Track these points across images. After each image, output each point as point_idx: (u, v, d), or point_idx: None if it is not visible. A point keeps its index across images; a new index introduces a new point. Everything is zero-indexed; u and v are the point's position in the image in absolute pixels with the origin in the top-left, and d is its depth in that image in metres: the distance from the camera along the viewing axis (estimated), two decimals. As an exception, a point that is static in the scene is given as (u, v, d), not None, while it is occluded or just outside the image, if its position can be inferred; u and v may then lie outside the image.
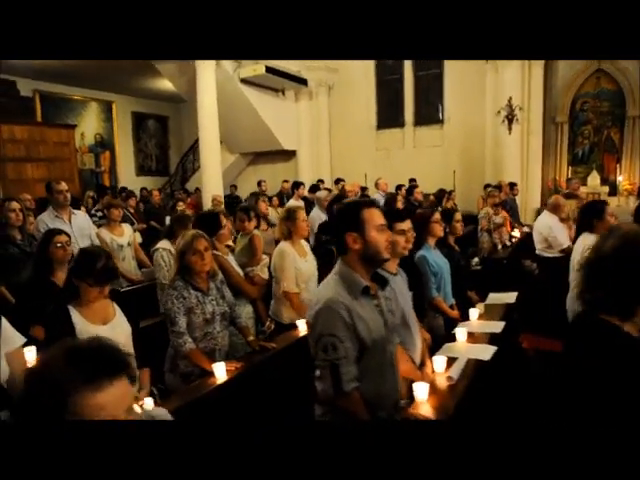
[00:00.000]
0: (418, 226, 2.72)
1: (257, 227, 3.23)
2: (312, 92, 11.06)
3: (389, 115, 11.18)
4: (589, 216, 3.35)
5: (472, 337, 2.62)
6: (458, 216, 3.55)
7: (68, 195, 4.02)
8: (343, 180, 8.79)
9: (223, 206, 7.50)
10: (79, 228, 4.08)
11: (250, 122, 9.90)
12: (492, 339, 2.63)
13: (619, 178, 8.90)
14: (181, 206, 8.01)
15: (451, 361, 2.23)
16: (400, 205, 5.71)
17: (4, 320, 1.91)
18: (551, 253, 4.83)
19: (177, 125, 14.17)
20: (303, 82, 10.26)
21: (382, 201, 7.95)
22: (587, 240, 3.12)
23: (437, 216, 3.14)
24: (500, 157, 9.31)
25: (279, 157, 11.71)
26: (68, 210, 4.08)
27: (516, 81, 8.95)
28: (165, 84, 11.59)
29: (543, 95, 9.27)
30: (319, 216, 6.09)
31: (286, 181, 10.31)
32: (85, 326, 2.02)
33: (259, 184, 9.74)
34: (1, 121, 8.15)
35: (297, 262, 3.15)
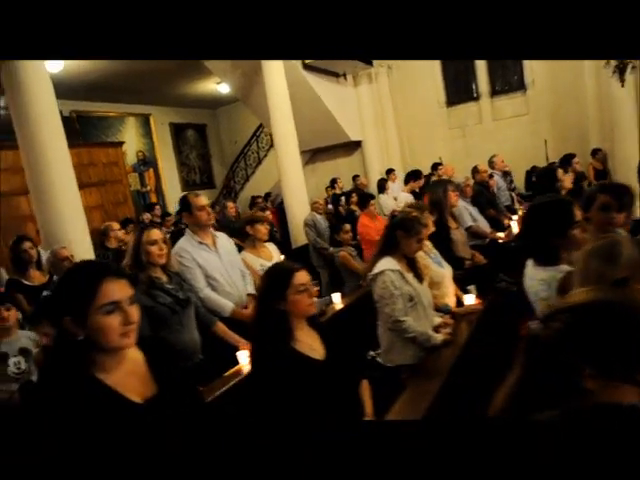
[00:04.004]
0: None
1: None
2: (371, 74, 9.92)
3: (460, 88, 9.96)
4: None
5: None
6: None
7: (212, 213, 2.90)
8: (441, 164, 7.64)
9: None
10: (227, 255, 2.96)
11: (314, 113, 8.76)
12: None
13: None
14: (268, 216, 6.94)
15: None
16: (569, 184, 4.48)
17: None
18: None
19: (215, 133, 13.12)
20: (369, 61, 9.15)
21: (501, 182, 6.83)
22: None
23: None
24: (608, 117, 8.05)
25: (340, 151, 10.56)
26: (210, 233, 2.97)
27: (621, 25, 7.66)
28: (203, 87, 10.54)
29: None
30: (466, 208, 4.93)
31: (357, 176, 9.29)
32: None
33: (334, 182, 8.65)
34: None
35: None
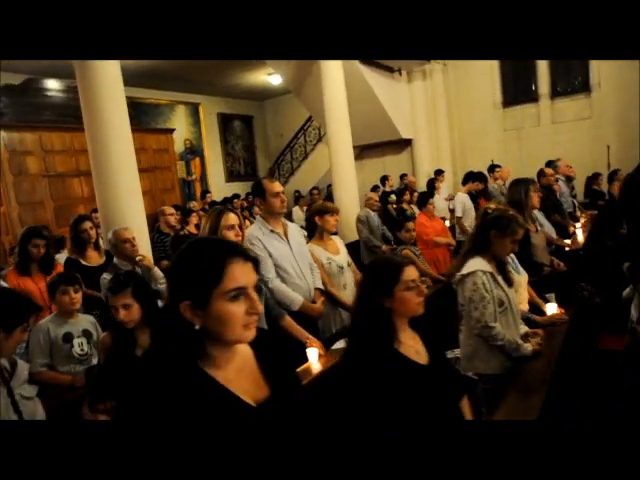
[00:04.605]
0: None
1: None
2: (426, 71, 9.67)
3: (518, 89, 9.59)
4: None
5: None
6: None
7: (285, 200, 2.78)
8: (498, 166, 7.33)
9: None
10: (298, 246, 2.83)
11: (366, 107, 8.57)
12: None
13: None
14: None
15: None
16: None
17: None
18: None
19: (261, 125, 13.09)
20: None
21: (564, 187, 6.48)
22: None
23: None
24: (681, 123, 7.57)
25: (388, 148, 10.34)
26: (282, 221, 2.85)
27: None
28: (254, 78, 10.49)
29: None
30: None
31: (405, 174, 9.09)
32: None
33: (384, 180, 8.44)
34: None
35: None
